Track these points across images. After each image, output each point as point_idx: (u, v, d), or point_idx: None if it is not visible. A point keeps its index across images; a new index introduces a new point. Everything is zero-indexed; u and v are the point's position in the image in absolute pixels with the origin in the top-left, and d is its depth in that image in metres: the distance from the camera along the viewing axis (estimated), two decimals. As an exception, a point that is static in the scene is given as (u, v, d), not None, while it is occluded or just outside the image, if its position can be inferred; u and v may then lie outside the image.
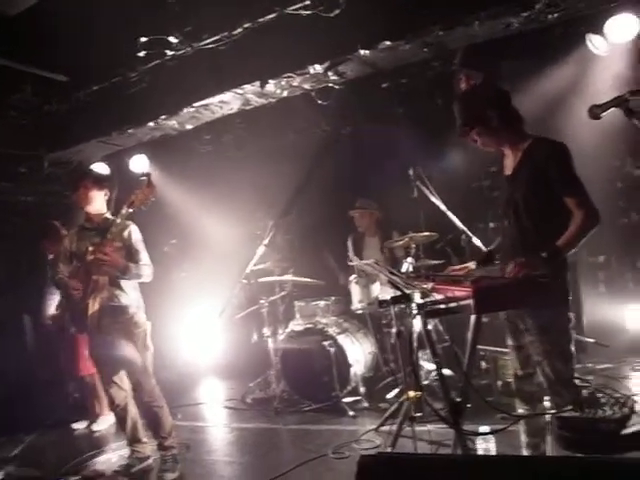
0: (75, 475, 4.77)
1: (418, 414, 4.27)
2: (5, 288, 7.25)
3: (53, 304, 6.19)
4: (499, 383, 5.32)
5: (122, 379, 4.79)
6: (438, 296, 3.27)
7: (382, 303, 4.04)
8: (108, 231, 4.45)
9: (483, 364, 5.66)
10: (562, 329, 3.24)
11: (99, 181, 4.77)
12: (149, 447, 4.99)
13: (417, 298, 3.40)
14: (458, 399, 3.43)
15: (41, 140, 6.72)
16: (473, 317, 3.27)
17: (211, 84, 5.59)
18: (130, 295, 4.68)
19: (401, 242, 5.94)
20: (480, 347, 5.49)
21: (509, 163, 3.44)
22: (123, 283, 4.64)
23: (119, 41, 5.02)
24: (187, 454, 5.11)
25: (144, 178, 4.43)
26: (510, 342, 3.61)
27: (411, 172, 5.63)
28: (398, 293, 3.47)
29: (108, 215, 4.77)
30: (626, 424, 2.98)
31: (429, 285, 3.37)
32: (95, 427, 6.14)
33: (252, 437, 5.59)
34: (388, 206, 6.85)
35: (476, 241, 5.52)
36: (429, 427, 4.58)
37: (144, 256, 4.68)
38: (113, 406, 4.89)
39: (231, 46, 5.25)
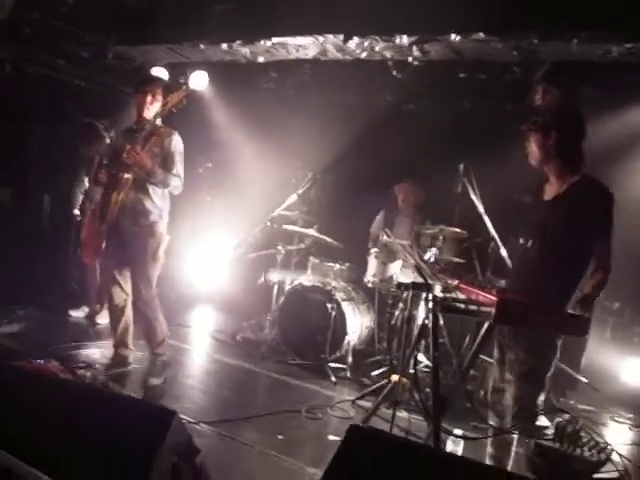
0: (55, 359, 4.83)
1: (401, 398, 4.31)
2: (36, 163, 7.33)
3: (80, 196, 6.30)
4: (481, 392, 5.37)
5: (126, 281, 4.88)
6: (461, 295, 3.30)
7: (400, 285, 4.05)
8: (148, 133, 4.54)
9: (471, 371, 5.71)
10: (545, 358, 3.31)
11: (167, 90, 4.78)
12: (132, 354, 5.09)
13: (438, 290, 3.44)
14: (445, 395, 3.50)
15: (112, 30, 6.66)
16: (486, 324, 3.31)
17: (295, 24, 5.53)
18: (156, 203, 4.73)
19: (431, 231, 5.93)
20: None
21: (551, 190, 3.44)
22: (151, 190, 4.69)
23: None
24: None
25: (182, 82, 4.49)
26: (495, 354, 3.68)
27: (461, 167, 5.61)
28: (419, 279, 3.51)
29: (158, 121, 4.78)
30: (599, 469, 3.03)
31: (454, 282, 3.39)
32: (98, 320, 6.28)
33: (232, 374, 5.64)
34: (428, 194, 6.81)
35: (503, 252, 5.52)
36: (405, 414, 4.66)
37: (178, 168, 4.72)
38: (111, 304, 4.98)
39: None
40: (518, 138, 6.22)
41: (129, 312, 4.97)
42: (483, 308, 3.04)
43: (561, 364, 5.45)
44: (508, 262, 5.52)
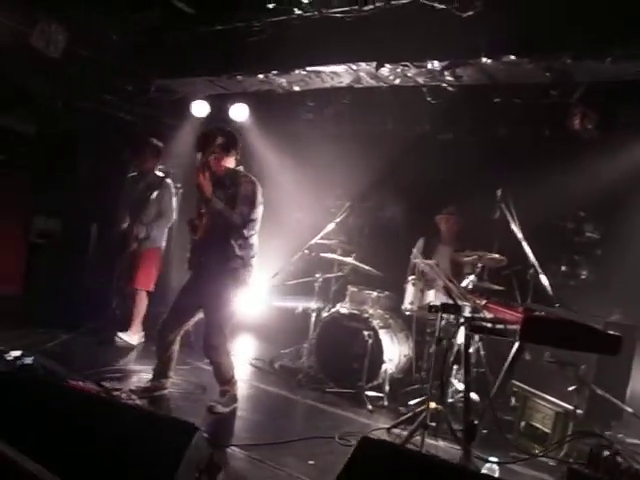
0: (94, 381, 4.91)
1: (432, 424, 4.21)
2: (83, 194, 7.54)
3: (125, 219, 6.47)
4: (522, 424, 5.21)
5: (190, 319, 4.98)
6: (488, 314, 3.24)
7: (432, 308, 4.00)
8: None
9: (513, 400, 5.56)
10: None
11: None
12: (170, 382, 5.14)
13: (466, 311, 3.39)
14: (476, 421, 3.42)
15: (154, 64, 6.85)
16: (516, 345, 3.24)
17: (328, 52, 5.61)
18: (237, 250, 4.80)
19: (469, 258, 5.83)
20: (516, 383, 5.41)
21: None
22: (235, 236, 4.78)
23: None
24: (202, 395, 5.23)
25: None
26: None
27: (499, 193, 5.56)
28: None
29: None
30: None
31: (482, 301, 3.35)
32: (131, 340, 6.45)
33: (268, 400, 5.67)
34: (467, 221, 6.75)
35: (543, 279, 5.41)
36: (440, 442, 4.56)
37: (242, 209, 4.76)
38: (162, 334, 4.99)
39: (358, 20, 5.26)
40: (556, 162, 6.20)
41: (177, 346, 5.03)
42: (510, 326, 2.98)
43: (605, 393, 5.27)
44: (548, 289, 5.42)
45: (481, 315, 3.26)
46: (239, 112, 7.46)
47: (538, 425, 5.06)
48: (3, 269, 6.95)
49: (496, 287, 5.79)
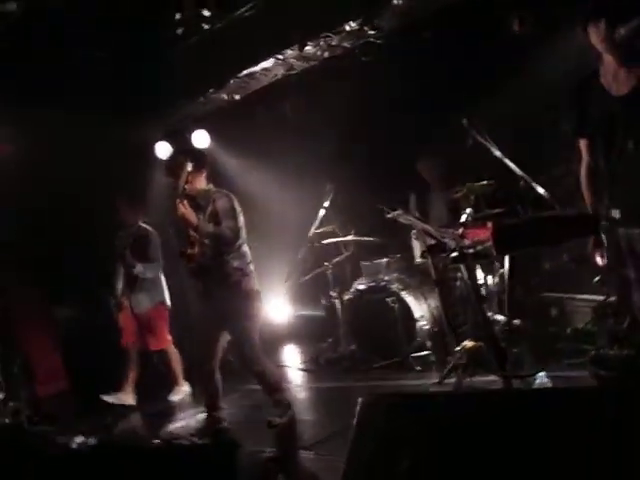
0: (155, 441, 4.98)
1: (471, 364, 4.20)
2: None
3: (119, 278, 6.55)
4: (568, 330, 5.17)
5: (217, 344, 4.93)
6: (467, 241, 3.24)
7: (423, 253, 3.99)
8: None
9: (553, 311, 5.51)
10: None
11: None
12: (224, 413, 5.18)
13: (451, 246, 3.39)
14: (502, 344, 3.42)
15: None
16: (506, 260, 3.23)
17: (251, 52, 5.63)
18: (233, 262, 4.81)
19: (460, 194, 5.80)
20: (549, 295, 5.37)
21: (620, 82, 3.08)
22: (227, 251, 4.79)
23: (155, 23, 5.12)
24: (259, 414, 5.23)
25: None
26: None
27: (465, 122, 5.51)
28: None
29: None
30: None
31: (460, 230, 3.34)
32: (174, 397, 6.45)
33: (322, 395, 5.77)
34: (452, 159, 6.68)
35: (537, 187, 5.34)
36: (491, 377, 4.54)
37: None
38: (201, 369, 5.02)
39: (264, 12, 5.27)
40: (508, 68, 6.10)
41: (218, 375, 5.06)
42: (487, 244, 2.97)
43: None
44: (545, 194, 5.33)
45: (463, 244, 3.24)
46: (200, 139, 7.49)
47: (581, 326, 5.03)
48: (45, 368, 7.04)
49: (495, 211, 5.74)
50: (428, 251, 3.47)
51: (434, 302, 6.23)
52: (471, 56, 6.10)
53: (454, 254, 3.24)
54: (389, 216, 4.08)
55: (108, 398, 6.30)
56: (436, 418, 1.99)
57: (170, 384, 6.50)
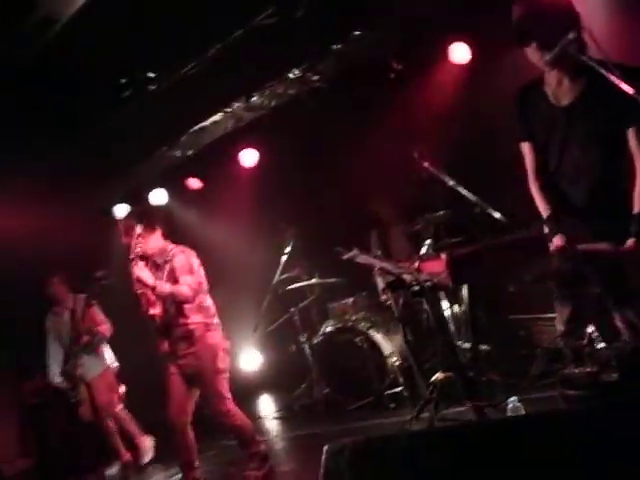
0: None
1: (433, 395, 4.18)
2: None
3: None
4: (538, 350, 5.20)
5: (188, 401, 4.86)
6: (423, 276, 3.27)
7: (383, 292, 4.03)
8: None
9: (521, 333, 5.55)
10: None
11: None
12: (199, 471, 5.08)
13: (407, 279, 3.41)
14: (470, 373, 3.43)
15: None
16: (465, 288, 3.26)
17: (199, 108, 5.70)
18: (193, 317, 4.78)
19: (418, 226, 5.87)
20: (516, 317, 5.42)
21: (564, 91, 3.10)
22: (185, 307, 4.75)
23: (100, 88, 5.16)
24: (237, 470, 5.16)
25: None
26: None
27: (415, 154, 5.61)
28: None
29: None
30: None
31: (416, 264, 3.37)
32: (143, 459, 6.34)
33: (299, 444, 5.66)
34: (406, 192, 6.75)
35: (492, 211, 5.42)
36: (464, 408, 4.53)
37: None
38: (172, 425, 4.87)
39: (209, 68, 5.33)
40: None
41: (190, 433, 4.95)
42: (442, 277, 3.00)
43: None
44: (501, 218, 5.41)
45: (420, 277, 3.26)
46: (158, 197, 7.51)
47: (550, 345, 5.06)
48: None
49: (454, 240, 5.81)
50: (388, 288, 3.46)
51: (402, 338, 6.26)
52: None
53: (414, 288, 3.25)
54: (345, 257, 4.11)
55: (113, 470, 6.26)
56: (399, 461, 2.00)
57: (132, 446, 6.38)
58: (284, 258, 6.55)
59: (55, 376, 6.18)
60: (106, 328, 6.27)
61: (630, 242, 2.89)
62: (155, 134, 6.06)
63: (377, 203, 6.73)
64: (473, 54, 5.78)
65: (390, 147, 6.45)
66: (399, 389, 5.78)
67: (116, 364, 6.56)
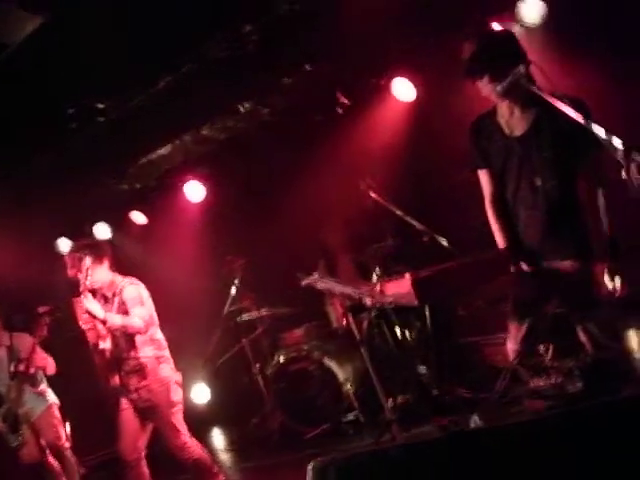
0: None
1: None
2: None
3: None
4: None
5: (140, 436, 4.77)
6: (387, 297, 3.34)
7: (343, 314, 4.09)
8: None
9: (474, 356, 5.67)
10: None
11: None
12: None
13: (368, 303, 3.48)
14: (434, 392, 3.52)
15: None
16: (427, 309, 3.36)
17: (148, 140, 5.69)
18: (144, 351, 4.71)
19: (366, 256, 5.98)
20: (465, 339, 5.55)
21: (516, 121, 3.26)
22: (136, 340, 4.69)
23: (47, 118, 5.12)
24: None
25: None
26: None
27: (362, 185, 5.74)
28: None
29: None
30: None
31: (377, 287, 3.45)
32: None
33: (257, 476, 5.58)
34: (352, 222, 6.88)
35: (441, 239, 5.57)
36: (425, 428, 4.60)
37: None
38: (124, 460, 4.74)
39: (159, 100, 5.36)
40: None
41: (144, 468, 4.82)
42: (408, 297, 3.09)
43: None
44: (448, 246, 5.55)
45: (382, 299, 3.34)
46: (101, 231, 7.43)
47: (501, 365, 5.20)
48: None
49: (400, 268, 5.92)
50: (348, 312, 3.52)
51: (357, 363, 6.30)
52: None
53: (373, 312, 3.32)
54: (305, 282, 4.15)
55: None
56: (387, 474, 2.02)
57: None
58: (233, 290, 6.54)
59: None
60: (49, 364, 5.96)
61: (599, 266, 3.05)
62: (103, 166, 6.01)
63: (325, 233, 6.84)
64: (418, 90, 5.97)
65: (338, 179, 6.57)
66: (355, 416, 5.81)
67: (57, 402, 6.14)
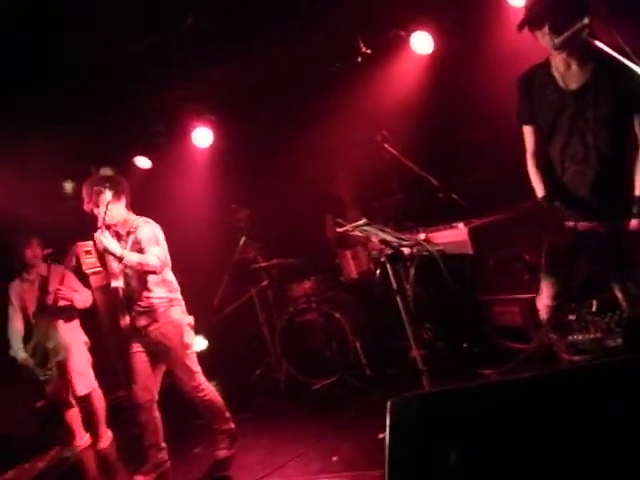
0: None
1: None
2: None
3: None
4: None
5: (155, 379, 4.78)
6: (435, 246, 3.30)
7: (377, 265, 4.05)
8: None
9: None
10: None
11: None
12: (165, 452, 4.95)
13: (406, 252, 3.44)
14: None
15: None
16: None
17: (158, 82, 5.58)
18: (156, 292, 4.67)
19: (375, 210, 5.94)
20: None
21: (573, 75, 3.19)
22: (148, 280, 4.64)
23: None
24: (204, 450, 5.15)
25: None
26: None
27: (378, 138, 5.67)
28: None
29: None
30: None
31: (422, 236, 3.41)
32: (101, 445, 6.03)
33: (264, 422, 5.57)
34: (364, 175, 6.81)
35: (454, 196, 5.54)
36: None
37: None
38: (137, 403, 4.74)
39: (171, 45, 5.27)
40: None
41: (157, 412, 4.81)
42: (462, 246, 3.05)
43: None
44: (462, 203, 5.52)
45: (427, 248, 3.30)
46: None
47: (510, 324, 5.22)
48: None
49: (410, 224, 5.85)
50: (388, 260, 3.48)
51: (366, 317, 6.31)
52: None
53: (415, 262, 3.28)
54: (345, 229, 4.05)
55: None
56: (476, 410, 2.02)
57: (94, 430, 6.05)
58: (242, 239, 6.47)
59: (19, 351, 5.66)
60: (78, 297, 5.80)
61: (634, 223, 3.04)
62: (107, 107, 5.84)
63: (335, 186, 6.78)
64: (436, 44, 5.86)
65: (351, 131, 6.52)
66: (363, 368, 5.84)
67: (87, 339, 6.07)
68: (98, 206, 4.47)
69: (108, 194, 4.47)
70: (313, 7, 5.35)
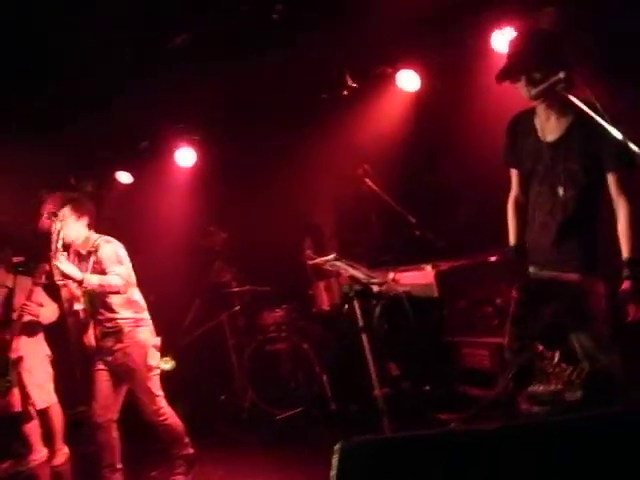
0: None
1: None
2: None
3: None
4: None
5: (115, 399, 4.64)
6: (400, 287, 3.30)
7: (344, 299, 4.02)
8: None
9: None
10: None
11: None
12: (121, 473, 4.83)
13: (375, 290, 3.43)
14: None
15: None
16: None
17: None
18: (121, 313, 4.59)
19: (353, 243, 5.95)
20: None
21: (551, 126, 3.21)
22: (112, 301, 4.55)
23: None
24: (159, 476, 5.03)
25: None
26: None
27: (360, 171, 5.69)
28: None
29: None
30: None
31: (391, 275, 3.40)
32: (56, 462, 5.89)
33: (226, 448, 5.54)
34: (343, 206, 6.82)
35: (430, 235, 5.54)
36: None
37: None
38: (99, 428, 4.61)
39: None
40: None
41: (115, 433, 4.67)
42: (427, 289, 3.04)
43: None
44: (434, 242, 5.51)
45: (393, 289, 3.29)
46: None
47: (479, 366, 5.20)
48: None
49: (386, 258, 5.85)
50: (356, 296, 3.45)
51: (334, 351, 6.25)
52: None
53: (381, 300, 3.27)
54: (312, 262, 4.02)
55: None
56: (429, 461, 1.96)
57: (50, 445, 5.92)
58: (218, 262, 6.44)
59: None
60: (45, 313, 5.72)
61: (625, 285, 3.00)
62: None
63: (313, 214, 6.78)
64: (422, 83, 5.90)
65: (333, 162, 6.53)
66: (327, 402, 5.75)
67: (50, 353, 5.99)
68: (53, 229, 4.35)
69: (66, 212, 4.45)
70: (304, 33, 5.37)
